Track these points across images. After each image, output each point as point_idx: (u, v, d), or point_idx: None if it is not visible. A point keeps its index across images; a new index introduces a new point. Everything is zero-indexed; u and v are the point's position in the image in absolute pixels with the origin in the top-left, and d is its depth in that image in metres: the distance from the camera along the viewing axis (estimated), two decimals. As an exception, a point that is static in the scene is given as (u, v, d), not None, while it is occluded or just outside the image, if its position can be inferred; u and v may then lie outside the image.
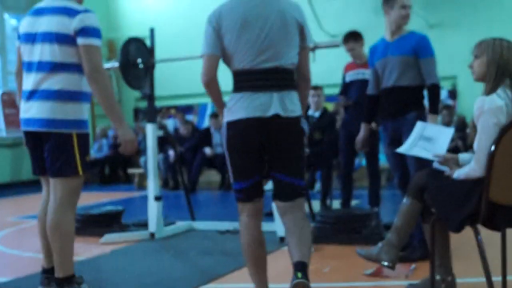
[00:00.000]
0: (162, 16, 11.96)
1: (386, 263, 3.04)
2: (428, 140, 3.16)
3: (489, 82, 2.79)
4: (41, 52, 3.16)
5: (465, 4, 9.82)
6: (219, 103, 2.87)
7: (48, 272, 3.41)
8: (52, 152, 3.16)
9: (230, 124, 2.74)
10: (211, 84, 2.78)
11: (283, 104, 2.71)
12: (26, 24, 3.25)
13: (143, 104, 12.25)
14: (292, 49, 2.77)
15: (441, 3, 9.94)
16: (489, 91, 2.77)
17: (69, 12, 3.13)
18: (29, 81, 3.21)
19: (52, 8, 3.18)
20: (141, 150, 11.05)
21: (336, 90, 7.52)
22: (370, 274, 3.59)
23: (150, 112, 5.39)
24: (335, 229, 4.61)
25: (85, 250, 4.73)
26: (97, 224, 5.41)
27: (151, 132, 5.28)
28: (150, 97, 5.31)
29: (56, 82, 3.14)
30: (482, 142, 2.69)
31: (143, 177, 9.89)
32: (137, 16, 12.40)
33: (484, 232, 2.76)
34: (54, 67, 3.14)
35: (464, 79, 9.65)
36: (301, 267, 2.62)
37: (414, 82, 3.87)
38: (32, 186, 8.96)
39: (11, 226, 5.52)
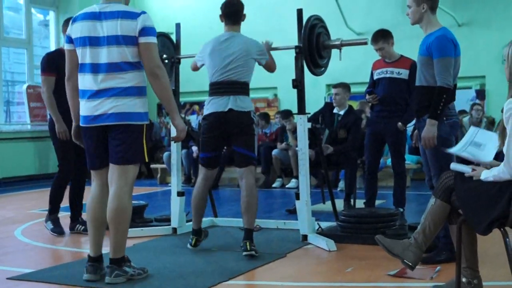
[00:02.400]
0: (185, 11, 11.95)
1: (410, 263, 3.03)
2: (477, 146, 3.10)
3: (510, 82, 2.75)
4: (109, 54, 3.39)
5: (495, 3, 9.63)
6: None
7: (95, 260, 3.53)
8: (125, 141, 3.42)
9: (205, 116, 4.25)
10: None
11: (235, 102, 4.12)
12: (83, 28, 3.42)
13: (167, 100, 12.31)
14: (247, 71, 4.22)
15: (471, 2, 9.77)
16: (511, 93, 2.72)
17: (131, 16, 3.39)
18: (95, 81, 3.42)
19: (112, 13, 3.40)
20: (164, 146, 11.13)
21: (361, 89, 7.46)
22: (394, 275, 3.54)
23: (174, 107, 5.37)
24: (359, 229, 4.55)
25: (108, 243, 4.72)
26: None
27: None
28: (174, 92, 5.30)
29: (129, 79, 3.41)
30: (513, 145, 2.63)
31: (165, 172, 9.93)
32: (161, 12, 12.43)
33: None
34: (125, 67, 3.40)
35: (493, 79, 9.47)
36: (247, 235, 4.06)
37: (432, 83, 3.71)
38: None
39: (36, 218, 5.57)
